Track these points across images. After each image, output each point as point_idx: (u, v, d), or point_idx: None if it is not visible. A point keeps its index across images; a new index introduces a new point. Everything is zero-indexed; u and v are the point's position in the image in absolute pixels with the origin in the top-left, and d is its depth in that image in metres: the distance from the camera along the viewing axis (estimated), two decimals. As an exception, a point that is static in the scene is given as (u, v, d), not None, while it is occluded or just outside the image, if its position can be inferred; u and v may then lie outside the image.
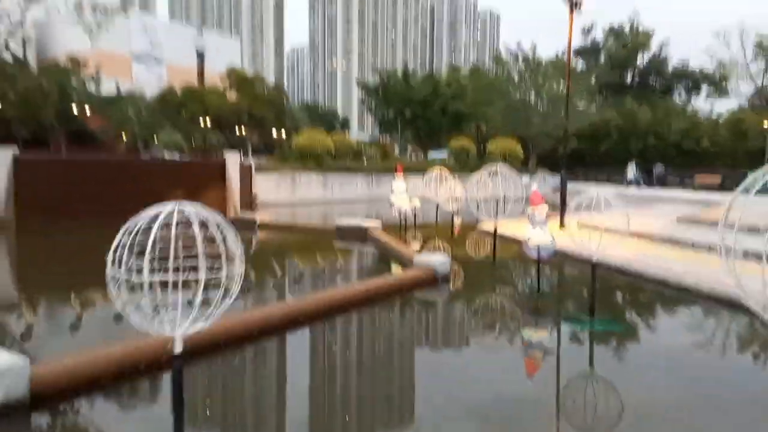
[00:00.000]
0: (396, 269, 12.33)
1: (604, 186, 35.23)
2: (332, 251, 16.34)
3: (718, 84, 61.81)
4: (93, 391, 5.54)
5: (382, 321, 9.50)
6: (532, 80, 52.80)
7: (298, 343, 7.95)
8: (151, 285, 3.27)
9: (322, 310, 8.47)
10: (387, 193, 20.17)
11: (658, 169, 42.56)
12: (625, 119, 55.64)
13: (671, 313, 10.12)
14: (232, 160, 25.56)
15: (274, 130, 54.90)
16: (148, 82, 68.97)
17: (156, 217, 3.29)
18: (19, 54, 45.30)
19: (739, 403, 5.61)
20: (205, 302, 3.47)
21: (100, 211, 16.50)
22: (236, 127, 52.40)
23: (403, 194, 18.78)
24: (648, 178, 42.24)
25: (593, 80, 56.99)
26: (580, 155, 53.88)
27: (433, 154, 53.99)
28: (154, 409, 5.47)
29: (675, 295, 10.02)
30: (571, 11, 18.89)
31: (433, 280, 10.74)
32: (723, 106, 62.17)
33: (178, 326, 3.41)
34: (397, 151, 64.14)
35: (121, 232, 3.34)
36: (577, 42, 67.77)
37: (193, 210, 3.45)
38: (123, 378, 5.69)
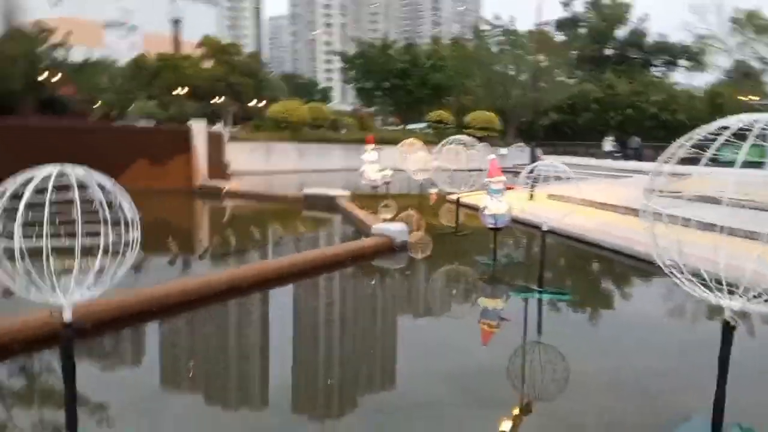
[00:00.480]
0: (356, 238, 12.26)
1: (579, 158, 35.18)
2: (297, 219, 16.18)
3: (696, 58, 61.90)
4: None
5: (334, 288, 9.48)
6: (511, 52, 52.38)
7: (242, 311, 7.89)
8: (35, 252, 3.13)
9: (268, 278, 8.37)
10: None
11: (634, 143, 42.69)
12: (605, 92, 55.57)
13: (620, 281, 10.27)
14: (198, 129, 25.06)
15: (254, 101, 54.04)
16: (121, 51, 67.30)
17: (30, 180, 3.14)
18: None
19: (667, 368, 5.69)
20: (100, 271, 3.34)
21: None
22: (214, 97, 51.45)
23: (373, 165, 18.63)
24: (624, 151, 42.46)
25: (573, 53, 56.68)
26: (560, 127, 53.87)
27: (413, 126, 53.70)
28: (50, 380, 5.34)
29: (628, 263, 10.07)
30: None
31: (391, 248, 10.70)
32: (701, 80, 61.85)
33: (69, 294, 3.28)
34: (379, 122, 63.61)
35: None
36: (558, 15, 67.25)
37: (81, 173, 3.29)
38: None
